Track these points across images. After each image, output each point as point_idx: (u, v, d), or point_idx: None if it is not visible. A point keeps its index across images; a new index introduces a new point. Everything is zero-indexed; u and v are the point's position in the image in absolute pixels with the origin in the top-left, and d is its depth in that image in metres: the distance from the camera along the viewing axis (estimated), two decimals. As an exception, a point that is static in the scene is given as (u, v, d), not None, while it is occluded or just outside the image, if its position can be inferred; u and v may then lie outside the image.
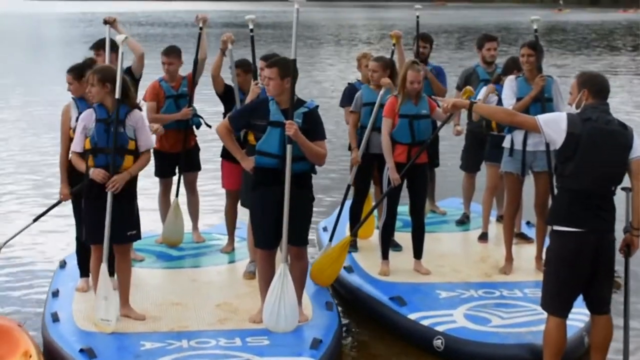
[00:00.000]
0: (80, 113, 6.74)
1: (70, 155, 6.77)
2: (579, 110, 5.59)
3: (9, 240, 7.45)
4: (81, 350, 5.97)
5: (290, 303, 6.31)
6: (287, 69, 6.31)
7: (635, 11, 79.73)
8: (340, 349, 6.52)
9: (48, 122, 16.98)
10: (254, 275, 7.38)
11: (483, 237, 8.75)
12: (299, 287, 6.56)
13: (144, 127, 6.57)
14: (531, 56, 7.81)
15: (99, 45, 7.98)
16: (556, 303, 5.64)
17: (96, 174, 6.40)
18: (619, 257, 5.72)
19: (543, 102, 7.70)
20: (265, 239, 6.54)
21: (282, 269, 6.32)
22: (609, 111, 5.58)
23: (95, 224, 6.48)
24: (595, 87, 5.62)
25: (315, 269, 7.34)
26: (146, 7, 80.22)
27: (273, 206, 6.36)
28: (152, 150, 8.50)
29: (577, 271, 5.54)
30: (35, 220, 7.76)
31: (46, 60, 32.93)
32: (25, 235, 9.82)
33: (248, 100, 7.45)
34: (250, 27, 8.44)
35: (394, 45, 8.97)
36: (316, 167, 6.51)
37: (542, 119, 5.61)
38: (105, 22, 7.77)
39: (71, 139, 6.92)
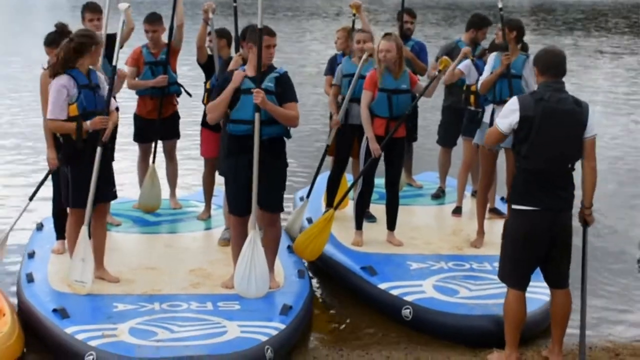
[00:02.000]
0: None
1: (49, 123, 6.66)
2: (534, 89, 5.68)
3: (10, 229, 7.44)
4: (54, 310, 6.05)
5: (261, 269, 6.41)
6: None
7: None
8: (310, 316, 6.63)
9: (31, 85, 16.97)
10: (228, 242, 7.45)
11: (457, 211, 8.86)
12: (271, 254, 6.66)
13: (106, 87, 6.71)
14: (500, 30, 7.93)
15: (94, 9, 8.01)
16: (513, 277, 5.76)
17: (96, 122, 6.47)
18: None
19: (509, 78, 7.81)
20: (238, 205, 6.62)
21: (251, 236, 6.42)
22: (562, 89, 5.60)
23: (84, 187, 6.52)
24: (543, 64, 5.64)
25: (298, 243, 7.36)
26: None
27: (245, 173, 6.44)
28: (132, 115, 8.71)
29: (532, 248, 5.64)
30: (31, 198, 7.61)
31: (31, 25, 32.72)
32: (5, 198, 9.97)
33: (230, 69, 7.49)
34: None
35: (354, 15, 9.02)
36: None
37: (498, 121, 5.69)
38: None
39: None
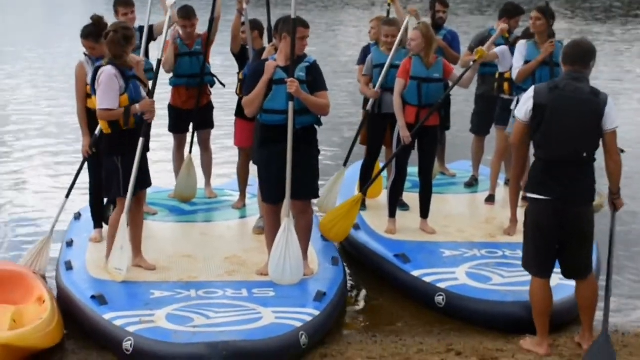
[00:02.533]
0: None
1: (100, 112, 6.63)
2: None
3: (54, 226, 7.52)
4: (92, 297, 6.18)
5: (295, 257, 6.48)
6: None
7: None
8: (344, 303, 6.70)
9: (63, 76, 17.22)
10: (263, 230, 7.52)
11: (490, 199, 8.87)
12: (304, 241, 6.73)
13: None
14: (539, 19, 7.91)
15: (127, 3, 8.11)
16: (535, 265, 5.79)
17: (147, 104, 6.60)
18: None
19: (552, 66, 7.80)
20: (271, 194, 6.71)
21: (286, 224, 6.49)
22: (581, 79, 5.59)
23: (128, 176, 6.63)
24: (565, 54, 5.69)
25: (324, 223, 7.47)
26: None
27: (279, 162, 6.51)
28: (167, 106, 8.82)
29: (545, 237, 5.66)
30: (67, 195, 7.61)
31: (65, 17, 33.05)
32: (41, 187, 10.16)
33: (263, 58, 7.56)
34: None
35: (389, 5, 9.04)
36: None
37: (517, 113, 5.74)
38: None
39: (87, 95, 7.10)
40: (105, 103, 6.52)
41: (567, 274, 5.87)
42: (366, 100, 8.50)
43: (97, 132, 7.14)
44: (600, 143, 5.62)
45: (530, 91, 5.68)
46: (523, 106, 5.70)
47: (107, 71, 6.51)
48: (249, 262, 7.02)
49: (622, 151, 5.92)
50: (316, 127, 6.69)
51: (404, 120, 7.66)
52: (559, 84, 5.59)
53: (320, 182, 6.88)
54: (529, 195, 5.72)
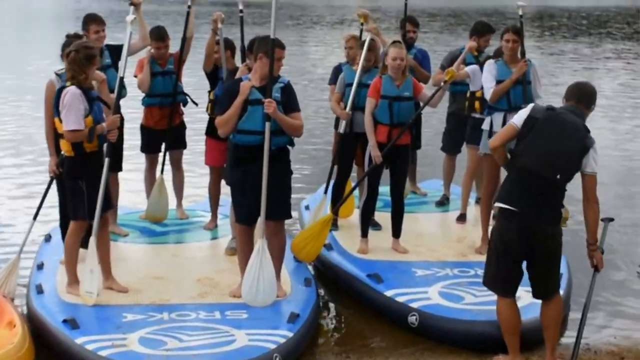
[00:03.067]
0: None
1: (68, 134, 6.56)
2: None
3: (22, 248, 7.43)
4: (64, 321, 6.12)
5: (269, 278, 6.47)
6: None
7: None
8: (317, 324, 6.69)
9: (32, 95, 17.07)
10: (235, 251, 7.50)
11: (461, 218, 8.90)
12: (277, 263, 6.72)
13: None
14: (515, 42, 7.93)
15: (100, 21, 8.02)
16: (497, 283, 5.83)
17: (114, 120, 6.61)
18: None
19: (524, 85, 7.86)
20: (246, 214, 6.69)
21: (260, 245, 6.48)
22: (579, 114, 5.74)
23: (93, 200, 6.58)
24: (571, 92, 5.86)
25: (296, 243, 7.47)
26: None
27: (253, 182, 6.51)
28: (139, 126, 8.77)
29: (512, 253, 5.68)
30: (35, 217, 7.56)
31: (35, 34, 32.85)
32: (10, 208, 10.05)
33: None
34: (240, 7, 8.55)
35: (361, 24, 9.08)
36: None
37: (517, 121, 5.80)
38: (132, 3, 7.71)
39: None
40: (72, 124, 6.45)
41: (534, 294, 5.91)
42: (337, 120, 8.51)
43: (63, 152, 7.09)
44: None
45: (530, 106, 5.86)
46: (519, 116, 5.81)
47: (72, 91, 6.46)
48: (221, 283, 6.99)
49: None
50: (289, 147, 6.70)
51: (375, 139, 7.69)
52: (557, 109, 5.75)
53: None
54: (497, 204, 5.76)
